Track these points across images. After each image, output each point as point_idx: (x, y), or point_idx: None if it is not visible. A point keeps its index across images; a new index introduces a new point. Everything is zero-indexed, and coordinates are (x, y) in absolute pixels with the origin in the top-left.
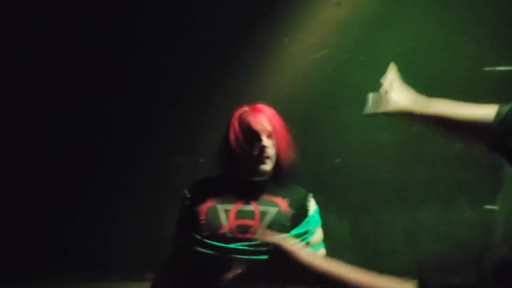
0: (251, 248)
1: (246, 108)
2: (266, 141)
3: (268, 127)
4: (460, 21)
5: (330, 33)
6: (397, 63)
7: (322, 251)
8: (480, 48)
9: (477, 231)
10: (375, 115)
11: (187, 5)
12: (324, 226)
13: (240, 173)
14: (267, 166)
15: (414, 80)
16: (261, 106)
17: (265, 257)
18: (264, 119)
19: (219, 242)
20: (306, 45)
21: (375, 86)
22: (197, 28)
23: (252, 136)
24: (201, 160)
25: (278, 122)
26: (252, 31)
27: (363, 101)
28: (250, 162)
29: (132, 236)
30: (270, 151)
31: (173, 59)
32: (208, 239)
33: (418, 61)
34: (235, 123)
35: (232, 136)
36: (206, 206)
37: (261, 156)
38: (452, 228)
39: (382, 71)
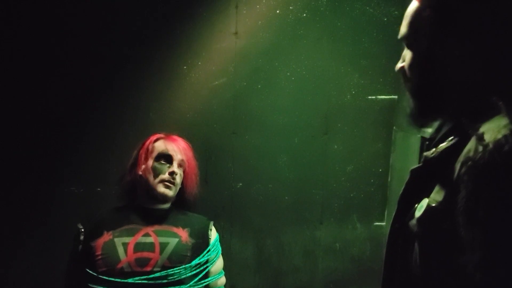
0: (150, 282)
1: (161, 135)
2: (176, 168)
3: (181, 156)
4: (346, 54)
5: (228, 62)
6: (291, 91)
7: (223, 279)
8: (363, 79)
9: (368, 246)
10: None
11: (85, 30)
12: (228, 250)
13: (141, 201)
14: (171, 192)
15: (307, 106)
16: (176, 136)
17: None
18: (179, 148)
19: (116, 277)
20: (205, 73)
21: (272, 112)
22: (95, 55)
23: (165, 158)
24: (99, 189)
25: (189, 154)
26: (150, 58)
27: (261, 126)
28: (155, 186)
29: (21, 273)
30: (178, 178)
31: (66, 85)
32: (105, 275)
33: (310, 89)
34: (149, 145)
35: (143, 157)
36: (103, 240)
37: (168, 180)
38: (346, 244)
39: (278, 98)
